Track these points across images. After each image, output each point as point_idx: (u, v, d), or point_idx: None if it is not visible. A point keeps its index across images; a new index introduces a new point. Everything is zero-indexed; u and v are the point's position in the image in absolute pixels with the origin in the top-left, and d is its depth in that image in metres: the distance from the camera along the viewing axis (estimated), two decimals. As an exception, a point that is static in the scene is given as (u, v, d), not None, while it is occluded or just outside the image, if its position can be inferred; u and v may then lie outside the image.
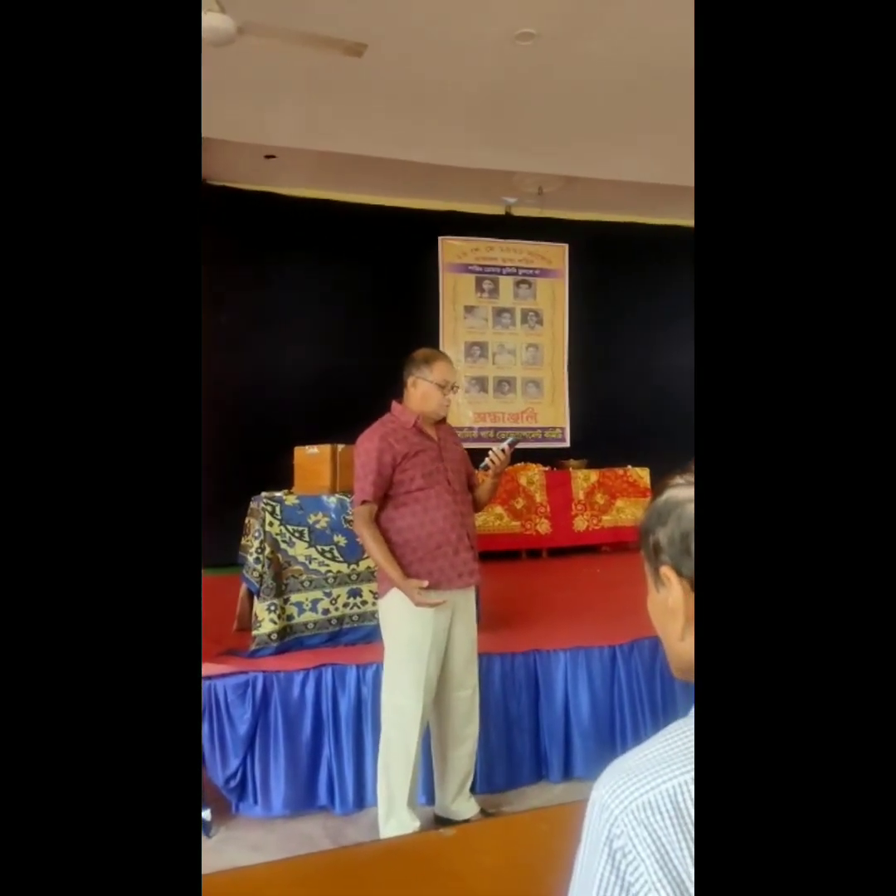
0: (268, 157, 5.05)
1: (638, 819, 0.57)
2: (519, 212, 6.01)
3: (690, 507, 0.68)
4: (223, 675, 2.63)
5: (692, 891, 0.54)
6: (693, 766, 0.58)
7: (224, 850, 2.46)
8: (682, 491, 0.70)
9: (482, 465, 2.41)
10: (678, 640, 0.71)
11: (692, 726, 0.62)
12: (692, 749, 0.60)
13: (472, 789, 2.53)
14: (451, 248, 5.93)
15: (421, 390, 2.39)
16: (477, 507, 2.55)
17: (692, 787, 0.57)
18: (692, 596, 0.69)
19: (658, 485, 0.74)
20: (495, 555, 4.91)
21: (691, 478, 0.70)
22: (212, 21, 2.75)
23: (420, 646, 2.29)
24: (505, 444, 2.38)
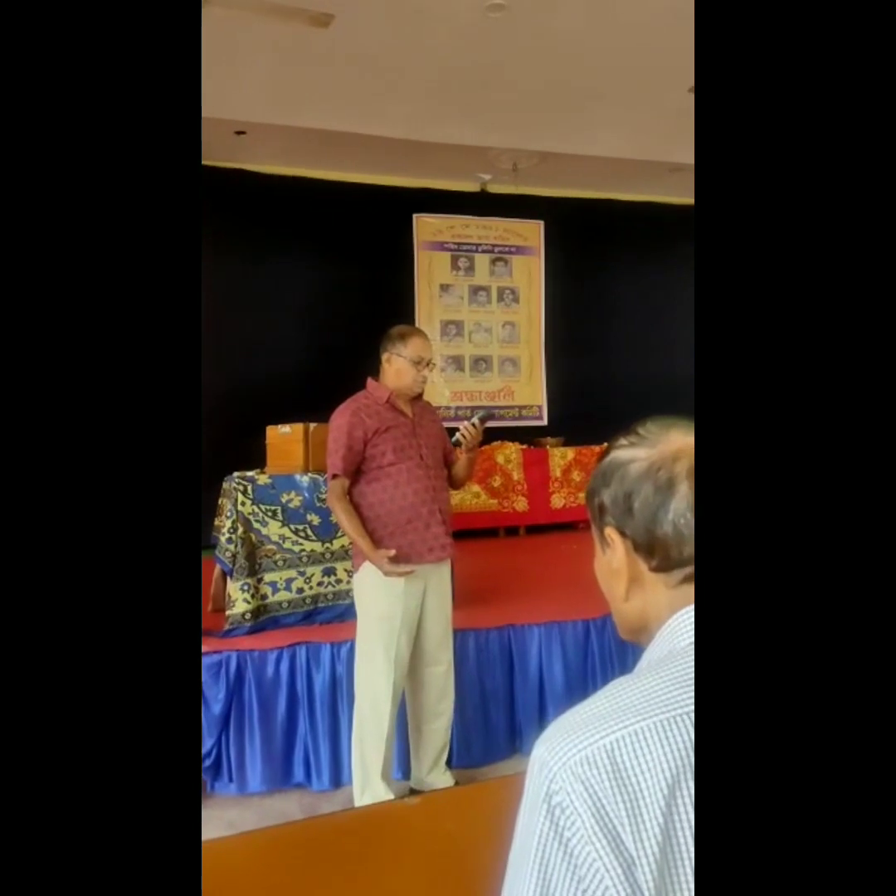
0: (238, 133, 4.96)
1: (575, 774, 0.57)
2: (494, 188, 5.97)
3: (633, 468, 0.68)
4: (196, 655, 2.62)
5: (627, 843, 0.55)
6: (632, 720, 0.58)
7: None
8: (625, 452, 0.70)
9: (453, 440, 2.41)
10: (623, 601, 0.72)
11: (633, 682, 0.63)
12: (632, 705, 0.60)
13: (449, 763, 2.55)
14: (425, 226, 5.88)
15: (395, 366, 2.40)
16: (455, 483, 2.55)
17: (630, 742, 0.57)
18: (635, 557, 0.69)
19: (604, 448, 0.74)
20: (473, 533, 4.93)
21: (635, 439, 0.70)
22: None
23: (391, 620, 2.30)
24: (475, 419, 2.38)
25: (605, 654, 2.90)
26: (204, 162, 5.23)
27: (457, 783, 2.52)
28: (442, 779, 2.50)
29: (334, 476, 2.34)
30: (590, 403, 5.91)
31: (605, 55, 3.96)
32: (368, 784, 2.35)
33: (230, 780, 2.60)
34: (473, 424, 2.36)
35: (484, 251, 6.02)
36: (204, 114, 4.04)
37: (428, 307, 5.87)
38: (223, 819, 2.52)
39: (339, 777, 2.65)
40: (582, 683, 2.87)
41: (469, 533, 4.75)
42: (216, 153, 5.20)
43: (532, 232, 6.09)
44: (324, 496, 3.03)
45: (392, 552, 2.25)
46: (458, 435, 2.38)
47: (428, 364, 2.43)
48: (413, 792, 2.51)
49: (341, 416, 2.37)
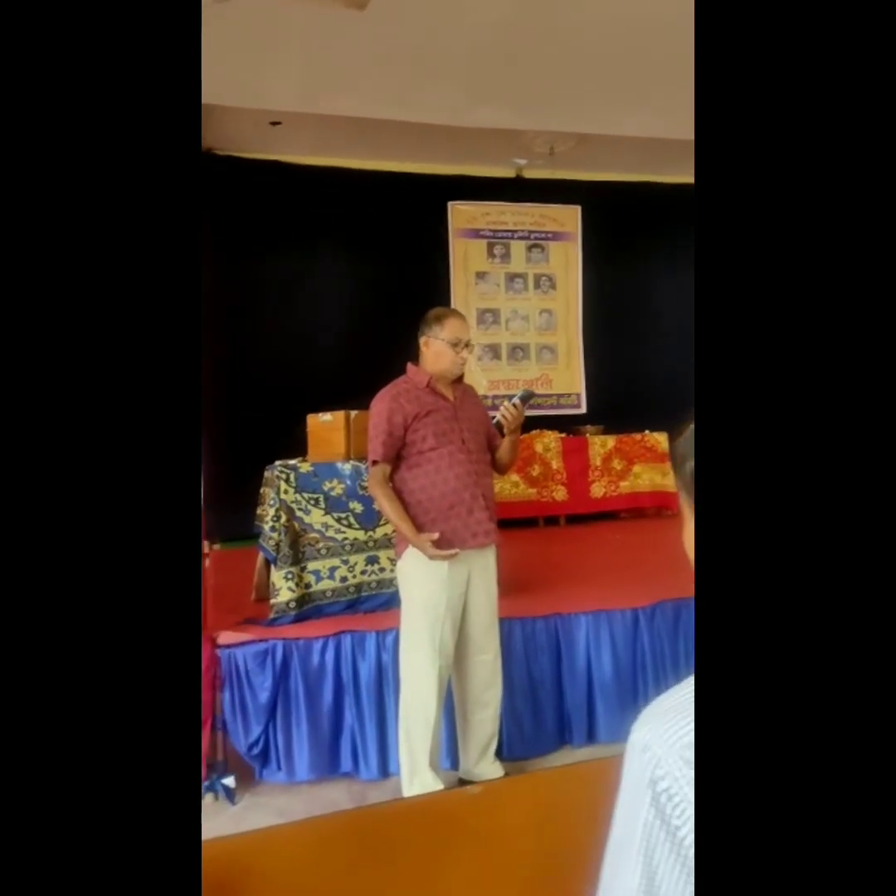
0: (273, 123, 4.95)
1: (683, 758, 0.53)
2: (530, 173, 5.88)
3: None
4: (242, 644, 2.62)
5: None
6: None
7: (249, 816, 2.47)
8: None
9: (494, 422, 2.37)
10: None
11: None
12: None
13: (498, 754, 2.51)
14: (461, 214, 5.82)
15: (433, 349, 2.37)
16: (500, 468, 2.51)
17: None
18: None
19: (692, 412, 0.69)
20: (512, 522, 4.88)
21: None
22: (210, -25, 2.66)
23: (435, 607, 2.28)
24: (516, 399, 2.32)
25: (655, 643, 2.83)
26: (239, 154, 5.26)
27: (506, 773, 2.48)
28: (491, 769, 2.47)
29: (375, 462, 2.32)
30: (629, 390, 5.82)
31: (642, 35, 3.86)
32: (416, 772, 2.33)
33: (278, 768, 2.60)
34: (514, 405, 2.31)
35: (520, 238, 5.94)
36: (239, 104, 3.99)
37: (464, 295, 5.82)
38: (272, 807, 2.51)
39: (386, 766, 2.63)
40: (631, 673, 2.81)
41: (508, 522, 4.70)
42: (251, 145, 5.21)
43: (569, 217, 6.00)
44: (366, 484, 3.01)
45: (435, 536, 2.22)
46: (498, 416, 2.33)
47: (466, 345, 2.39)
48: (462, 782, 2.47)
49: (381, 402, 2.35)
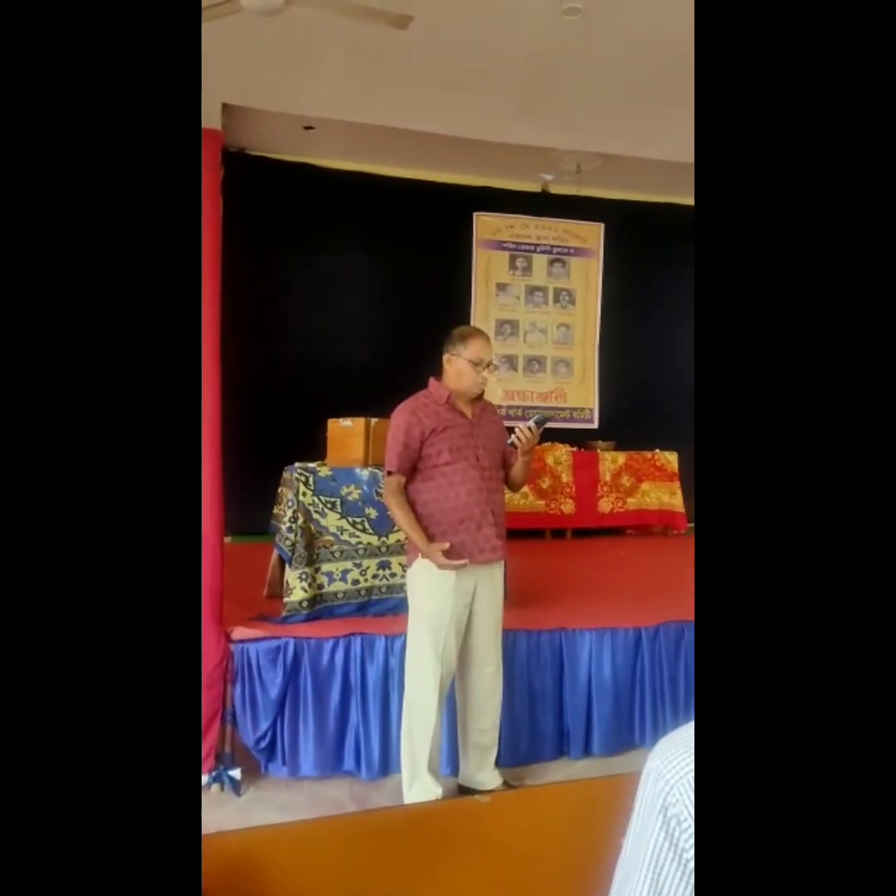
0: (307, 128, 5.03)
1: (692, 787, 0.60)
2: (556, 189, 5.95)
3: None
4: (256, 640, 2.70)
5: None
6: None
7: (252, 809, 2.54)
8: None
9: (508, 442, 2.43)
10: None
11: None
12: None
13: (497, 762, 2.58)
14: (485, 225, 5.89)
15: (456, 367, 2.44)
16: (512, 486, 2.58)
17: None
18: None
19: None
20: (519, 533, 4.93)
21: None
22: (261, -10, 2.73)
23: (439, 617, 2.35)
24: (531, 423, 2.39)
25: (655, 663, 2.89)
26: (272, 155, 5.34)
27: (504, 781, 2.55)
28: (490, 777, 2.53)
29: (390, 473, 2.40)
30: (642, 408, 5.87)
31: (674, 59, 3.91)
32: (417, 776, 2.39)
33: (283, 763, 2.67)
34: (529, 428, 2.38)
35: (542, 252, 6.01)
36: (275, 109, 4.04)
37: (484, 306, 5.88)
38: (275, 801, 2.58)
39: (387, 767, 2.70)
40: (630, 691, 2.87)
41: (515, 533, 4.75)
42: (284, 147, 5.29)
43: (592, 234, 6.06)
44: (381, 491, 3.08)
45: (446, 545, 2.30)
46: (513, 437, 2.40)
47: (488, 365, 2.46)
48: (461, 788, 2.54)
49: (400, 415, 2.42)
